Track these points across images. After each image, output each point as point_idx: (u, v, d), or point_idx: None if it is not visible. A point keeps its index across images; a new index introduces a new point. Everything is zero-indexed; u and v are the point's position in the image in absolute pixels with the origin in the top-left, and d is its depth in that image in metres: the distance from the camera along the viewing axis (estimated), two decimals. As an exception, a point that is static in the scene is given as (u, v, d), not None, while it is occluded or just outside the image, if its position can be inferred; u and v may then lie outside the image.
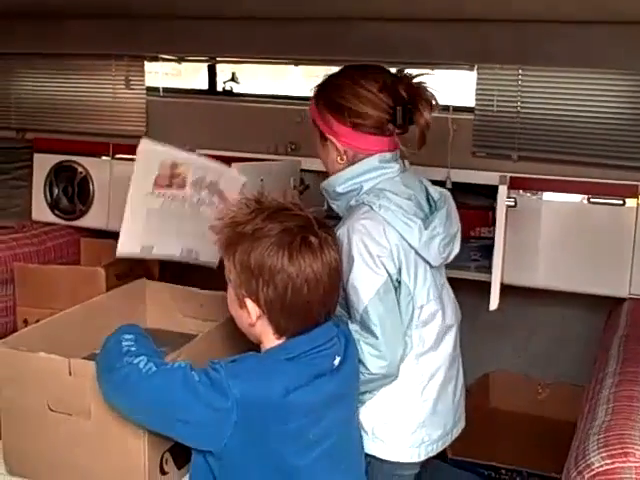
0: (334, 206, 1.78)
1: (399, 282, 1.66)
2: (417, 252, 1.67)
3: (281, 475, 1.39)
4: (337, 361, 1.46)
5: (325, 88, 1.75)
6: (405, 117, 1.67)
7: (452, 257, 1.76)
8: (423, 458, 1.74)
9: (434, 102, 1.69)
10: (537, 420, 2.49)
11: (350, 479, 1.50)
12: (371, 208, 1.64)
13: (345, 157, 1.71)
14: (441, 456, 2.12)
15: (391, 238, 1.63)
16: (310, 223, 1.43)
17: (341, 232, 1.62)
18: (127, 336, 1.48)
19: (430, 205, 1.77)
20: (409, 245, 1.65)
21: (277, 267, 1.39)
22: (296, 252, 1.39)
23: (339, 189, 1.72)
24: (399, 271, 1.65)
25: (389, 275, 1.62)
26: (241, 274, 1.42)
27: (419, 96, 1.67)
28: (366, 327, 1.60)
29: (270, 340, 1.45)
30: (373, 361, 1.59)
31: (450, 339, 1.78)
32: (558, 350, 2.59)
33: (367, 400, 1.67)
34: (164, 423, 1.41)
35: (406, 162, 1.77)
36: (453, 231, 1.74)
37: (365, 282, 1.60)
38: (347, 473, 1.49)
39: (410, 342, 1.69)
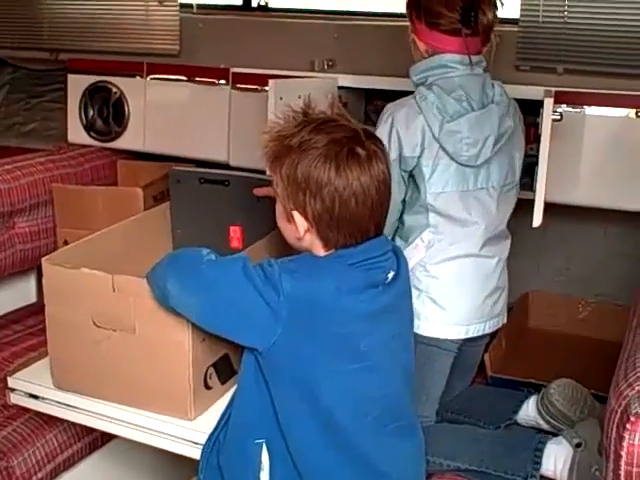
0: None
1: (417, 167, 1.83)
2: (439, 143, 1.79)
3: (330, 381, 1.39)
4: (391, 275, 1.45)
5: None
6: (470, 18, 1.78)
7: (482, 160, 1.83)
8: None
9: (497, 3, 1.82)
10: (577, 339, 2.47)
11: (393, 392, 1.49)
12: (415, 97, 1.82)
13: (427, 55, 1.86)
14: (482, 372, 2.14)
15: (417, 121, 1.80)
16: (357, 134, 1.40)
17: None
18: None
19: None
20: (432, 135, 1.79)
21: (324, 180, 1.36)
22: (343, 164, 1.36)
23: (414, 78, 1.88)
24: (418, 157, 1.81)
25: (400, 154, 1.81)
26: (288, 187, 1.40)
27: None
28: None
29: (320, 253, 1.44)
30: None
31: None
32: (600, 269, 2.55)
33: None
34: (218, 310, 1.41)
35: (480, 65, 1.86)
36: (483, 135, 1.81)
37: None
38: (393, 387, 1.49)
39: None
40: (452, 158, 1.81)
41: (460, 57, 1.82)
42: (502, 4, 1.84)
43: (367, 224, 1.41)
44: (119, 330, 1.57)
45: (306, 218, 1.40)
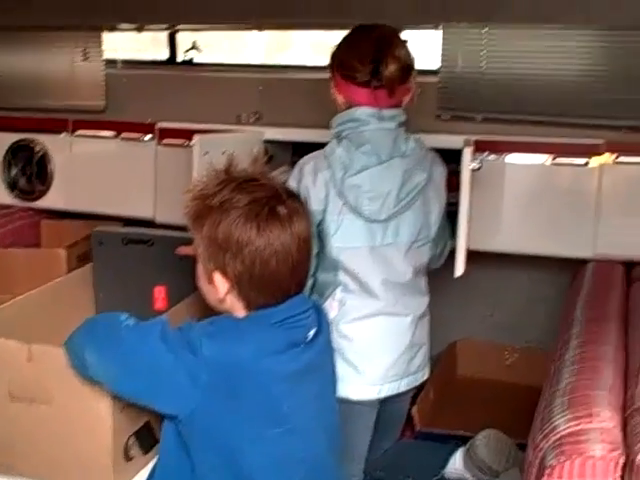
0: None
1: (323, 222, 1.83)
2: (342, 197, 1.79)
3: (253, 446, 1.36)
4: (312, 333, 1.43)
5: (337, 44, 1.89)
6: (376, 70, 1.79)
7: (385, 214, 1.81)
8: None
9: (402, 58, 1.81)
10: (506, 386, 2.50)
11: (317, 454, 1.46)
12: (325, 151, 1.84)
13: (344, 107, 1.87)
14: (411, 426, 2.14)
15: (321, 176, 1.81)
16: (278, 193, 1.39)
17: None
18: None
19: None
20: (335, 189, 1.80)
21: (245, 240, 1.35)
22: (264, 224, 1.35)
23: (333, 131, 1.89)
24: (324, 211, 1.82)
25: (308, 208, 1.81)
26: (209, 247, 1.38)
27: (388, 50, 1.80)
28: None
29: (242, 314, 1.42)
30: None
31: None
32: (526, 314, 2.59)
33: None
34: (136, 378, 1.38)
35: (395, 120, 1.85)
36: (385, 189, 1.80)
37: None
38: (317, 449, 1.46)
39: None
40: (356, 212, 1.81)
41: (372, 111, 1.82)
42: (409, 58, 1.84)
43: (288, 283, 1.40)
44: (37, 402, 1.52)
45: (227, 279, 1.39)
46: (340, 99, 1.89)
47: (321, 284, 1.86)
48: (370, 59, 1.79)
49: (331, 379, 1.56)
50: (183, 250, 1.77)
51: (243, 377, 1.34)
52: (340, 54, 1.87)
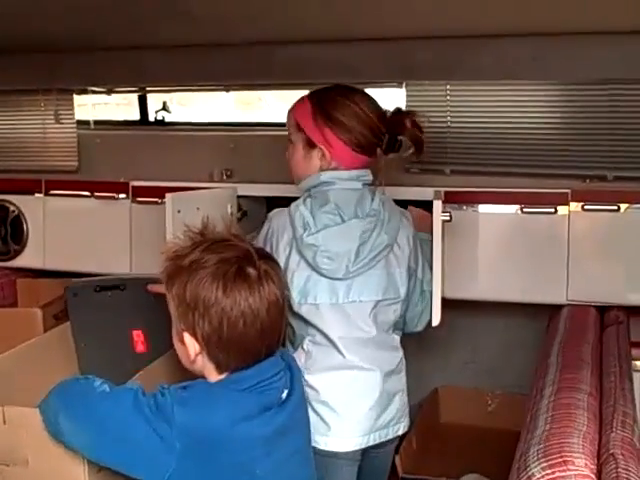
0: None
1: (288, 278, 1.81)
2: (302, 255, 1.80)
3: None
4: (285, 394, 1.44)
5: (321, 101, 1.86)
6: (393, 142, 1.85)
7: (343, 273, 1.80)
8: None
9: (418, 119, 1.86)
10: (488, 432, 2.50)
11: None
12: (290, 208, 1.85)
13: (325, 167, 1.85)
14: (395, 474, 2.12)
15: (286, 233, 1.82)
16: (249, 254, 1.41)
17: None
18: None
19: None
20: (297, 247, 1.80)
21: (211, 300, 1.36)
22: (231, 284, 1.36)
23: (303, 188, 1.89)
24: (286, 267, 1.80)
25: None
26: (179, 307, 1.40)
27: (404, 118, 1.85)
28: None
29: (213, 376, 1.43)
30: None
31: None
32: (505, 360, 2.61)
33: None
34: (111, 446, 1.37)
35: (361, 180, 1.86)
36: (341, 249, 1.79)
37: None
38: None
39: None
40: (315, 270, 1.80)
41: (339, 172, 1.84)
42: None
43: (257, 346, 1.40)
44: (12, 465, 1.50)
45: (196, 340, 1.40)
46: (328, 156, 1.84)
47: (295, 334, 1.86)
48: (383, 131, 1.84)
49: (306, 434, 1.56)
50: (154, 288, 1.75)
51: (216, 443, 1.35)
52: (339, 117, 1.83)
